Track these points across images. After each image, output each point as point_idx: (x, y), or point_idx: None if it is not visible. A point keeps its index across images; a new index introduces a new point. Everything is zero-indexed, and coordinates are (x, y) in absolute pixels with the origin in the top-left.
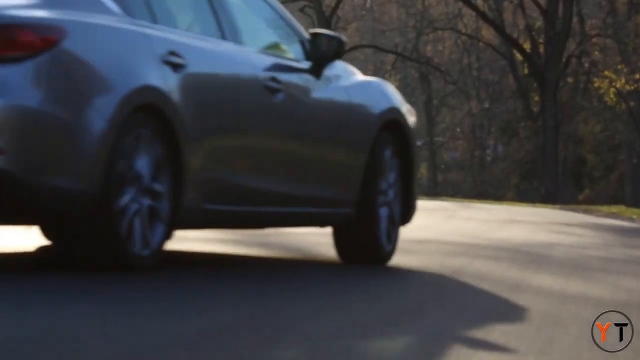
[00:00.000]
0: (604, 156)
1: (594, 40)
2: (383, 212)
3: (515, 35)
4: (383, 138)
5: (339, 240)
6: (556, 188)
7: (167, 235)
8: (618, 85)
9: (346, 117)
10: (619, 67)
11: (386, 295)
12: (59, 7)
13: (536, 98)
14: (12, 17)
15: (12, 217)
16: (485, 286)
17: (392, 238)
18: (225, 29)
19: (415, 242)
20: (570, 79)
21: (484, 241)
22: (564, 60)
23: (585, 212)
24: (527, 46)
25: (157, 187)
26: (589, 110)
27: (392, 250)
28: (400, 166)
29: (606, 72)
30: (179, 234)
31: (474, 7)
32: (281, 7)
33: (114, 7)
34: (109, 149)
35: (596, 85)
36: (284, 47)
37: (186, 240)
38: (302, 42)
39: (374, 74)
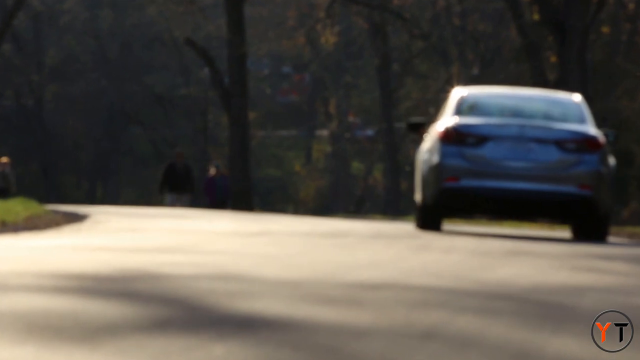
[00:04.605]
0: None
1: None
2: None
3: None
4: None
5: None
6: None
7: None
8: None
9: None
10: None
11: None
12: (594, 126)
13: (552, 59)
14: (594, 134)
15: (574, 221)
16: (474, 356)
17: None
18: None
19: (367, 287)
20: (605, 28)
21: (472, 285)
22: None
23: (631, 237)
24: None
25: None
26: (634, 78)
27: None
28: None
29: None
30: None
31: None
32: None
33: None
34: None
35: None
36: None
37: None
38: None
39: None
